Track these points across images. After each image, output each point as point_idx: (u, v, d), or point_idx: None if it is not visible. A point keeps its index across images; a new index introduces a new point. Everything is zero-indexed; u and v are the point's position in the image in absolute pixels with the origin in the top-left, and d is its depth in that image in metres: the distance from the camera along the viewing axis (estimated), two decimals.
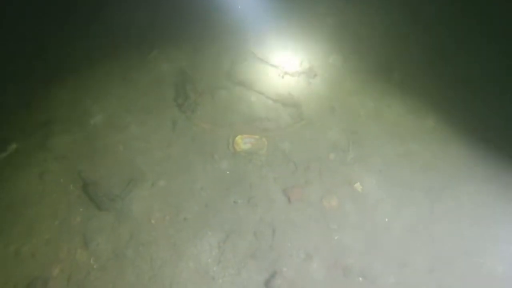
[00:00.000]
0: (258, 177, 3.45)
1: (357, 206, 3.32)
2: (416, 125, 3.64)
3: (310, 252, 3.03)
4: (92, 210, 3.21)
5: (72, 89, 3.83)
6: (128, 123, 3.66)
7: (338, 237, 3.23)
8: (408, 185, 3.39)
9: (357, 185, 3.39)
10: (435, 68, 3.99)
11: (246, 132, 3.57)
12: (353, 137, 3.57)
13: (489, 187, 3.32)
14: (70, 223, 3.15)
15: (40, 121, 3.67)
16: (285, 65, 3.81)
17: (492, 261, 3.00)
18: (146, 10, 4.24)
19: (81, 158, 3.46)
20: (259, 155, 3.52)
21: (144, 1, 4.26)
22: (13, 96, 3.85)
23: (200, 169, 3.49)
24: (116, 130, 3.62)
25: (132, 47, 4.00)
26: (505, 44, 4.11)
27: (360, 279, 2.92)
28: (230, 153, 3.53)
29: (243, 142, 3.52)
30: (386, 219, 3.25)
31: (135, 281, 2.88)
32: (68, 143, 3.54)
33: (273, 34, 4.01)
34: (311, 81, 3.75)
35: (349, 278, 2.92)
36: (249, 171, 3.47)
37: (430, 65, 4.01)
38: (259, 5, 4.24)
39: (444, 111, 3.66)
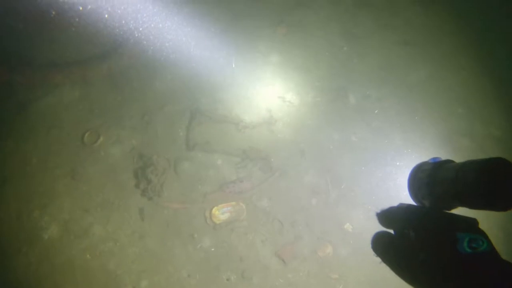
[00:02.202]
0: (246, 246, 3.23)
1: (353, 248, 3.22)
2: (385, 146, 3.62)
3: None
4: None
5: (13, 203, 3.32)
6: (89, 225, 3.25)
7: (342, 286, 3.12)
8: None
9: (347, 226, 3.29)
10: (384, 78, 4.00)
11: (221, 201, 3.33)
12: (329, 176, 3.47)
13: None
14: None
15: None
16: (242, 119, 3.63)
17: None
18: (78, 91, 3.82)
19: (41, 285, 2.99)
20: (240, 221, 3.30)
21: (71, 83, 3.81)
22: None
23: (182, 254, 3.19)
24: (77, 237, 3.20)
25: (73, 138, 3.57)
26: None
27: None
28: (210, 228, 3.27)
29: (221, 213, 3.28)
30: None
31: None
32: (21, 271, 3.05)
33: (222, 88, 3.81)
34: (273, 129, 3.61)
35: None
36: (234, 242, 3.24)
37: (379, 76, 4.02)
38: (198, 59, 4.00)
39: (410, 127, 3.69)
